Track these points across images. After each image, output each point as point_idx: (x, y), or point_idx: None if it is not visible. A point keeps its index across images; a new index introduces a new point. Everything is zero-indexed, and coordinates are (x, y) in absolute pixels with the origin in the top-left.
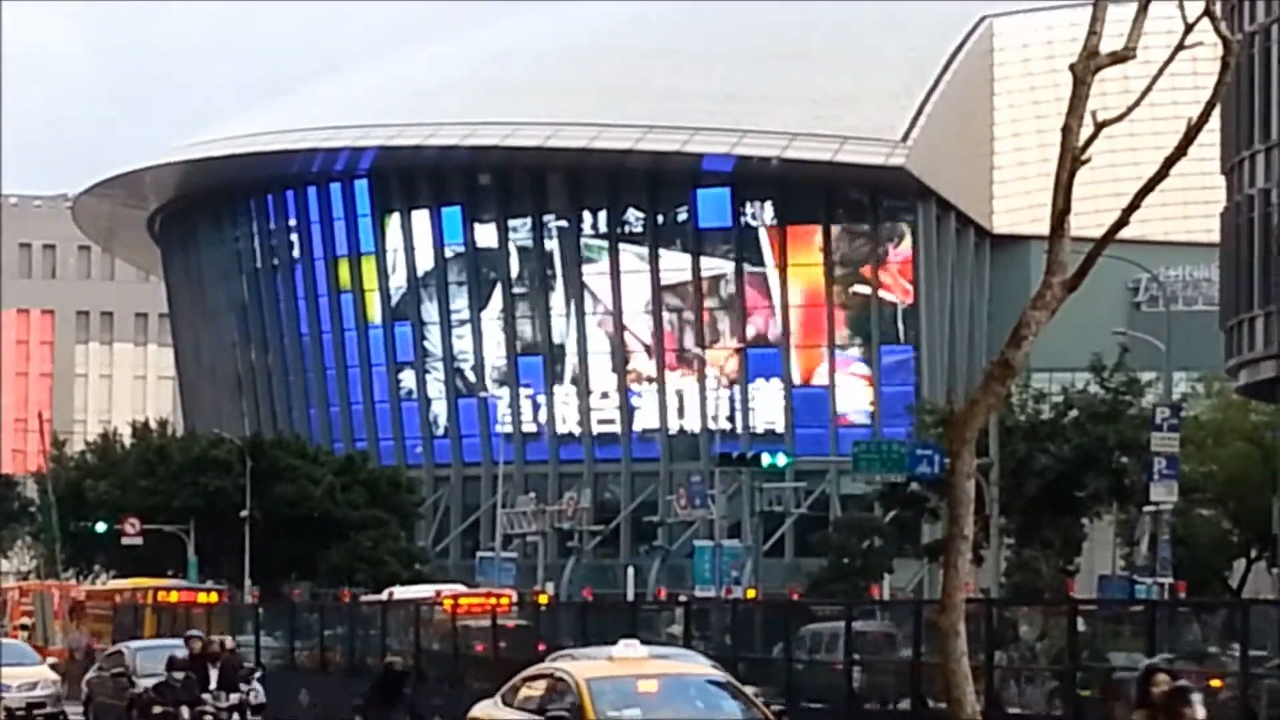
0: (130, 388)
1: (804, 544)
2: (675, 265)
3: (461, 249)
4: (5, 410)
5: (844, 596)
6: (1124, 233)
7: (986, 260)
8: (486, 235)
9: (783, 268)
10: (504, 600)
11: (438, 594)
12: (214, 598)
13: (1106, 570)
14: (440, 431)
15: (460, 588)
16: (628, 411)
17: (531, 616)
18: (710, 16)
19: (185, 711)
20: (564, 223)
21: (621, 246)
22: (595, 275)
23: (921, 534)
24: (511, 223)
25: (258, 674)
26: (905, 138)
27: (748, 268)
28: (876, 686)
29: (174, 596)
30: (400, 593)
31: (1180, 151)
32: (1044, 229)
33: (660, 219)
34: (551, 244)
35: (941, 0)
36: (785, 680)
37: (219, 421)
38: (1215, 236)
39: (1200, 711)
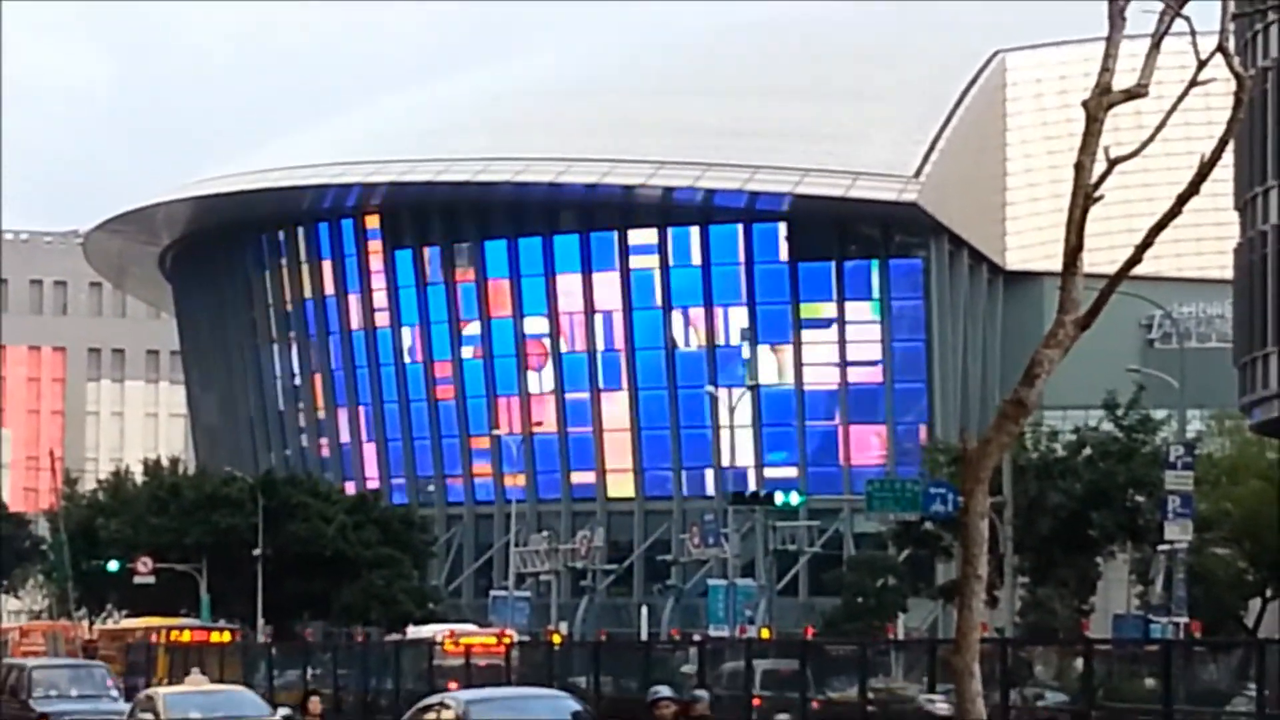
0: (142, 425)
1: (818, 583)
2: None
3: (472, 284)
4: (16, 448)
5: (858, 636)
6: (1137, 269)
7: (999, 297)
8: (497, 268)
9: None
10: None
11: (452, 633)
12: (226, 637)
13: (1121, 609)
14: (453, 470)
15: (472, 628)
16: (639, 446)
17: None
18: (721, 52)
19: None
20: (575, 258)
21: (633, 284)
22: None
23: (935, 573)
24: (522, 257)
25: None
26: (918, 173)
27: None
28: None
29: (186, 636)
30: (413, 632)
31: (1194, 188)
32: (1057, 265)
33: (670, 254)
34: (561, 281)
35: (954, 35)
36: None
37: (231, 459)
38: (1229, 273)
39: None
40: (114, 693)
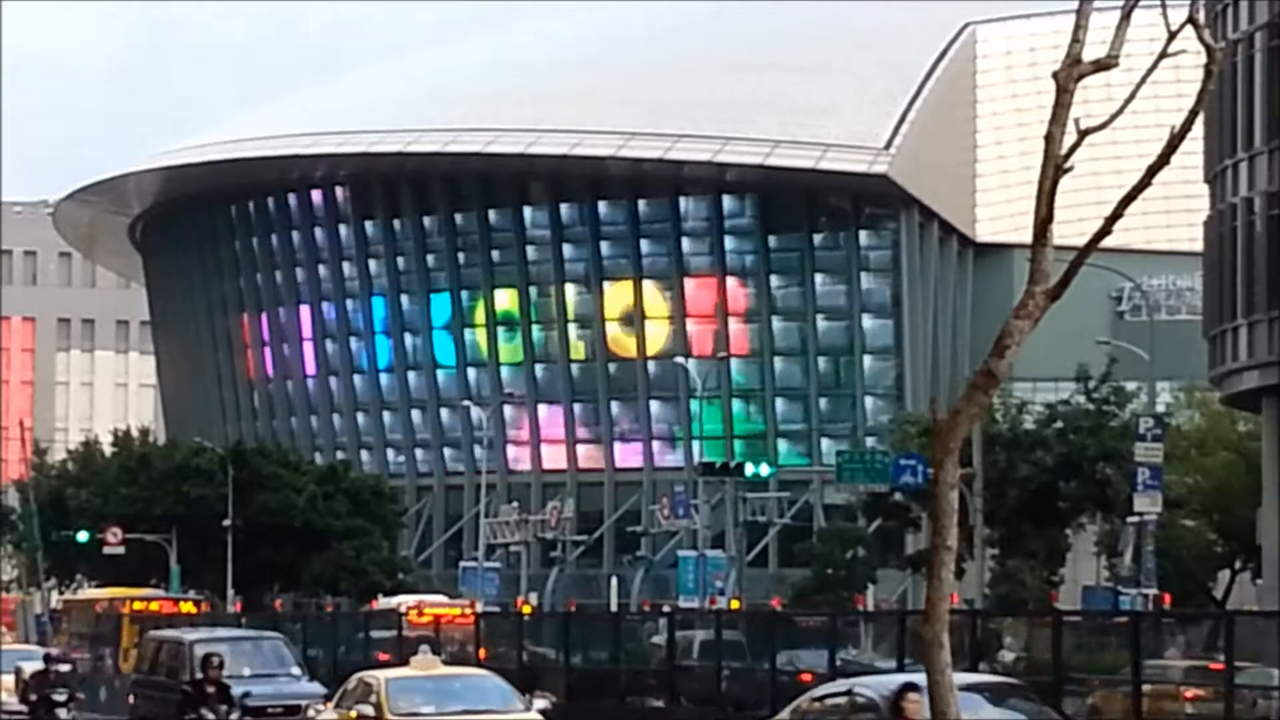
0: (111, 395)
1: (788, 554)
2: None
3: (443, 256)
4: None
5: (828, 607)
6: (1107, 241)
7: (969, 268)
8: (469, 242)
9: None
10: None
11: (419, 605)
12: (193, 608)
13: (1091, 581)
14: (423, 440)
15: (442, 599)
16: (610, 419)
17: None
18: (692, 25)
19: None
20: (546, 230)
21: (604, 255)
22: (578, 284)
23: (905, 544)
24: (494, 232)
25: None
26: (888, 145)
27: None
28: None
29: (155, 606)
30: (382, 603)
31: (1164, 160)
32: (1027, 237)
33: (642, 225)
34: (534, 252)
35: (924, 8)
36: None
37: (201, 429)
38: (1198, 245)
39: None
40: (295, 669)
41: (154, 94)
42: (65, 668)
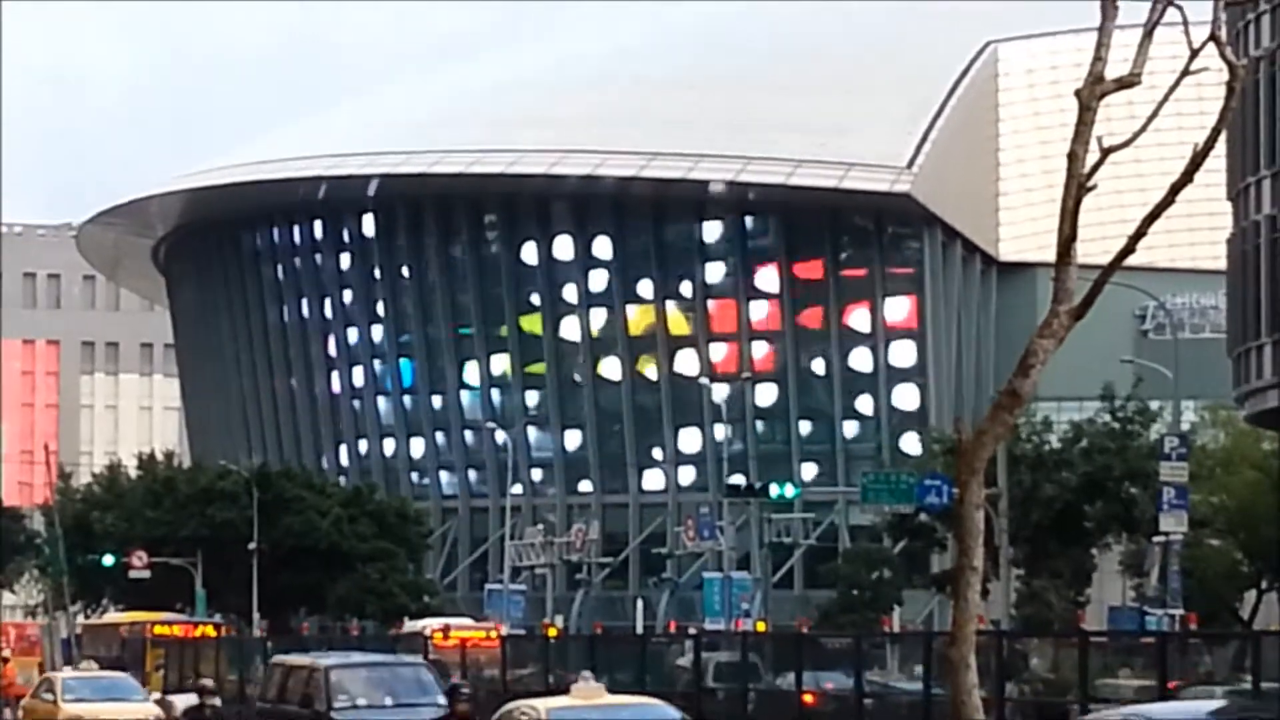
0: (136, 418)
1: (813, 575)
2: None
3: (466, 279)
4: (10, 442)
5: (854, 629)
6: (1130, 260)
7: (993, 288)
8: (491, 264)
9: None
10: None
11: (445, 628)
12: (212, 631)
13: (1117, 601)
14: (448, 463)
15: (468, 621)
16: (635, 441)
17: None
18: (714, 44)
19: None
20: (570, 252)
21: (627, 276)
22: (601, 304)
23: (931, 565)
24: (518, 253)
25: None
26: (910, 164)
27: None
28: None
29: (176, 630)
30: (408, 626)
31: (1187, 178)
32: (1050, 256)
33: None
34: (558, 273)
35: (946, 26)
36: None
37: (225, 452)
38: (1222, 263)
39: None
40: (441, 699)
41: (176, 116)
42: (218, 702)
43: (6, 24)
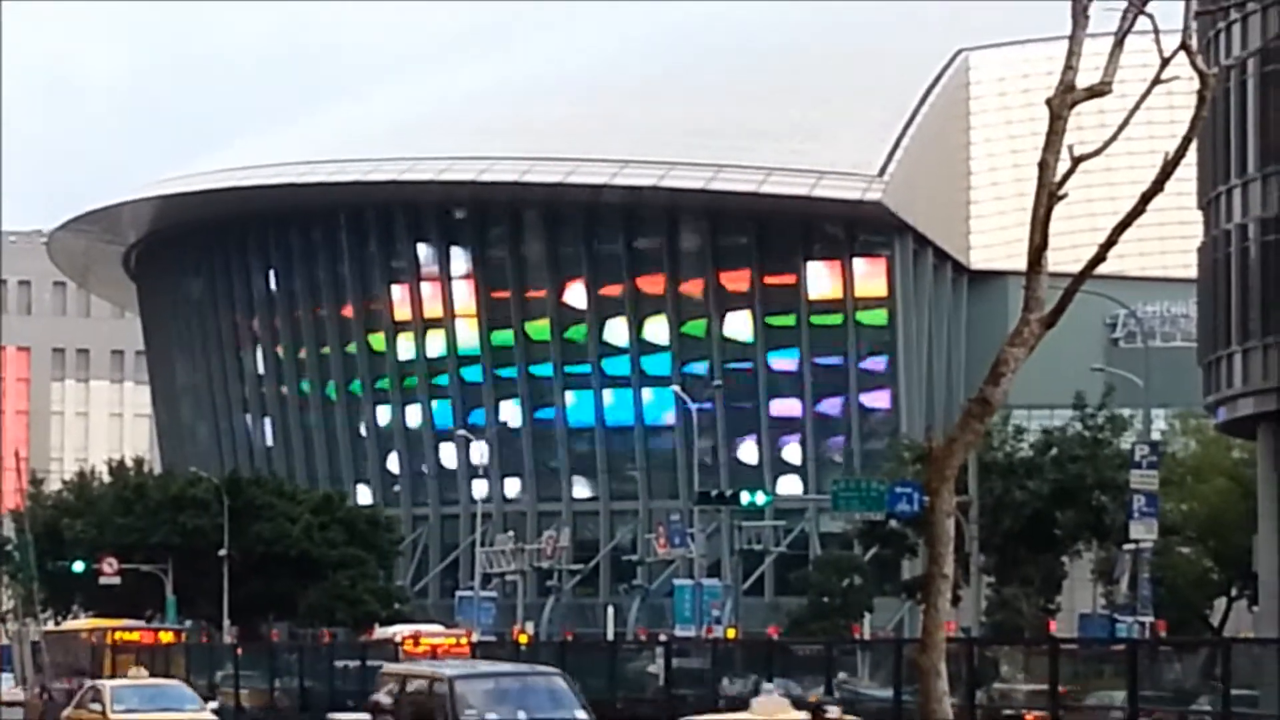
0: (107, 425)
1: (784, 582)
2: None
3: (436, 284)
4: None
5: (824, 635)
6: (1101, 268)
7: (964, 296)
8: (460, 270)
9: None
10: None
11: (415, 634)
12: (171, 637)
13: (1087, 609)
14: (420, 470)
15: (438, 628)
16: (606, 449)
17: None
18: (686, 53)
19: None
20: (541, 259)
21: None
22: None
23: (901, 572)
24: (489, 258)
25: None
26: (882, 172)
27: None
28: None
29: (135, 636)
30: (379, 633)
31: (1157, 186)
32: (1021, 264)
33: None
34: (527, 279)
35: (918, 35)
36: None
37: (196, 459)
38: (1193, 272)
39: None
40: (580, 713)
41: (148, 123)
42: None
43: None
